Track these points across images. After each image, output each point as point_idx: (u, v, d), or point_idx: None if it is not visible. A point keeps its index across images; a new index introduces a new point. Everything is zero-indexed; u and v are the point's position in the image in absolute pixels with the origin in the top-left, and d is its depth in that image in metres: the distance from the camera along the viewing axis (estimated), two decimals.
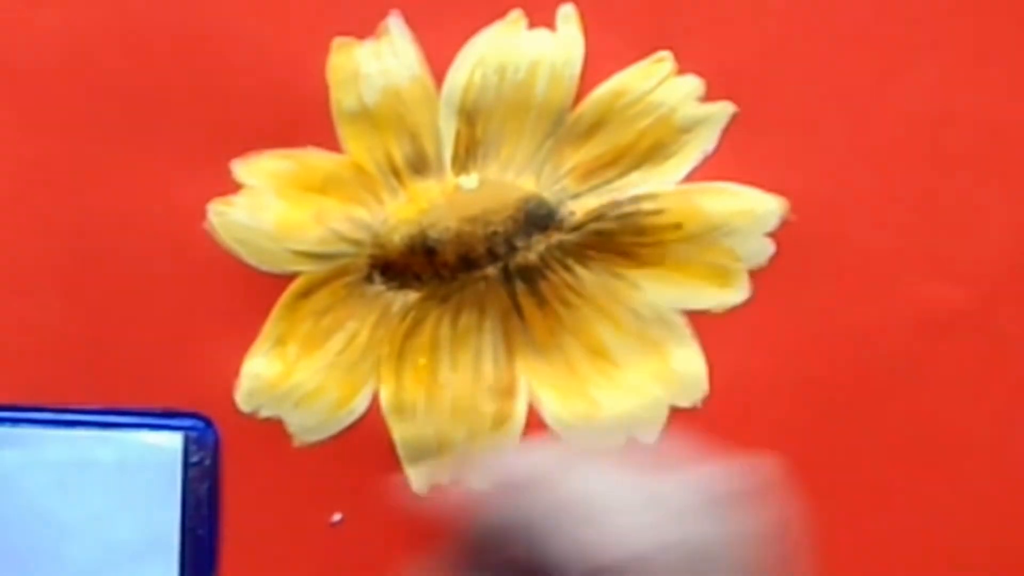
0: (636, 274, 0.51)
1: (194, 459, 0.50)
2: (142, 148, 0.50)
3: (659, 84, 0.51)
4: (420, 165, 0.50)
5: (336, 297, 0.50)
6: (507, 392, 0.51)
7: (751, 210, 0.51)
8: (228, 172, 0.50)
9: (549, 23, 0.51)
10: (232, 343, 0.50)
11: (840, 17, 0.51)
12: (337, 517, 0.50)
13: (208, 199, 0.50)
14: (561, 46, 0.50)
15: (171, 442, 0.50)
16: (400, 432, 0.51)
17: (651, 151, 0.51)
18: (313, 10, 0.50)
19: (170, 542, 0.49)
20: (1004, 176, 0.51)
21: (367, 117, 0.50)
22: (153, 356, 0.50)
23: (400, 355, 0.51)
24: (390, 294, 0.51)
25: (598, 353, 0.51)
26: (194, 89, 0.50)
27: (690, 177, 0.51)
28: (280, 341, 0.50)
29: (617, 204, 0.51)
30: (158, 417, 0.50)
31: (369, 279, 0.51)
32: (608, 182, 0.51)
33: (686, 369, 0.51)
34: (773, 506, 0.41)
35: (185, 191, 0.50)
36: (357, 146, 0.50)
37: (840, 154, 0.51)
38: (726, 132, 0.51)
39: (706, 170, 0.51)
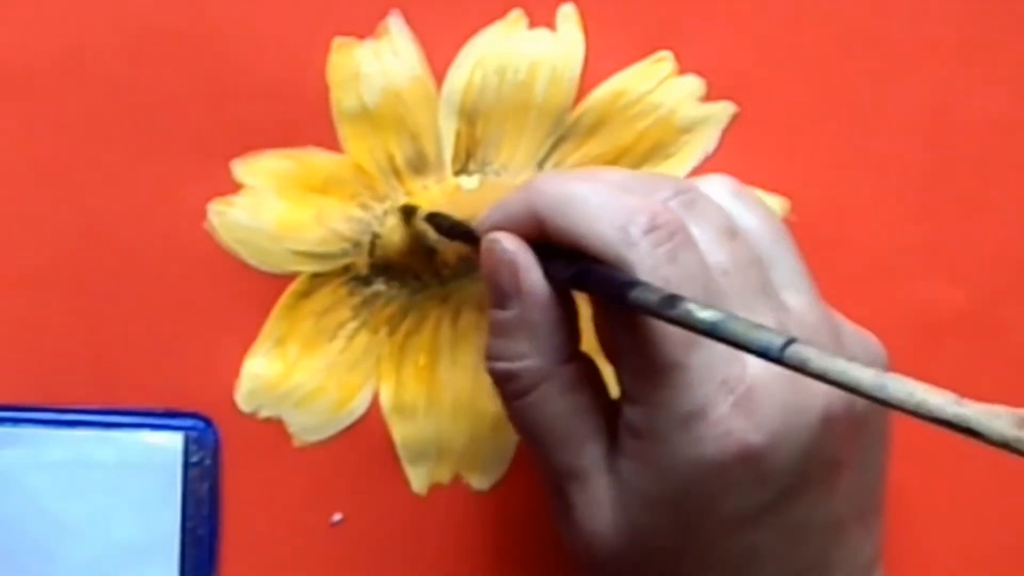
0: None
1: (194, 459, 0.50)
2: (142, 148, 0.50)
3: (659, 84, 0.51)
4: (420, 165, 0.50)
5: (336, 297, 0.50)
6: None
7: None
8: (228, 172, 0.50)
9: (549, 23, 0.51)
10: (232, 343, 0.50)
11: (840, 17, 0.51)
12: (337, 517, 0.50)
13: (208, 199, 0.50)
14: (561, 46, 0.50)
15: (171, 442, 0.50)
16: (400, 432, 0.51)
17: (651, 151, 0.51)
18: (313, 10, 0.50)
19: (170, 542, 0.49)
20: (1004, 176, 0.51)
21: (367, 117, 0.50)
22: (153, 356, 0.50)
23: (400, 355, 0.51)
24: (390, 294, 0.51)
25: (598, 352, 0.51)
26: (194, 89, 0.50)
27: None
28: (280, 341, 0.50)
29: None
30: (158, 417, 0.50)
31: (369, 279, 0.51)
32: None
33: None
34: None
35: (185, 191, 0.50)
36: (357, 146, 0.50)
37: (840, 154, 0.51)
38: (726, 132, 0.51)
39: (706, 170, 0.51)
